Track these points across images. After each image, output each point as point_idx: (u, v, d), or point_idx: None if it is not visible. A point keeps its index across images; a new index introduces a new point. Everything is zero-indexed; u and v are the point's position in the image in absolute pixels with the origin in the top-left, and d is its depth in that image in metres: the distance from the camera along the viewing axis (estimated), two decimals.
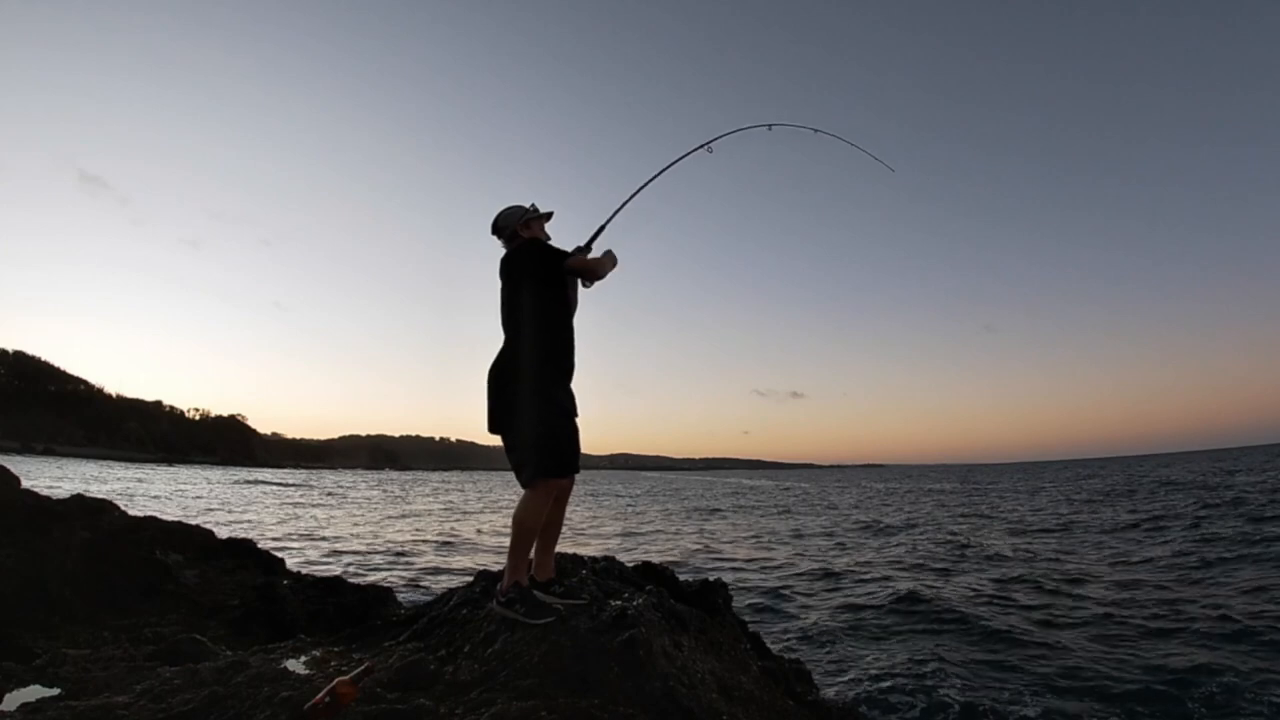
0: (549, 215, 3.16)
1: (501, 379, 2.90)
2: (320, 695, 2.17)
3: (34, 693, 2.55)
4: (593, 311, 3.24)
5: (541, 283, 2.93)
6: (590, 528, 19.53)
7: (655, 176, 3.57)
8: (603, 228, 3.28)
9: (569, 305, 3.01)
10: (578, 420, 2.95)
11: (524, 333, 2.89)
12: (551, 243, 3.12)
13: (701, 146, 3.80)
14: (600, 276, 3.04)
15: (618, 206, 3.39)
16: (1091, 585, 9.24)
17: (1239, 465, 53.17)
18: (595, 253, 3.17)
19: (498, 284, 3.04)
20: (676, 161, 3.68)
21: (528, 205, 3.12)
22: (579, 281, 3.06)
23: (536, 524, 2.83)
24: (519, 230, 3.06)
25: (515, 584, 2.76)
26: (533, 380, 2.84)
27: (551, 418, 2.81)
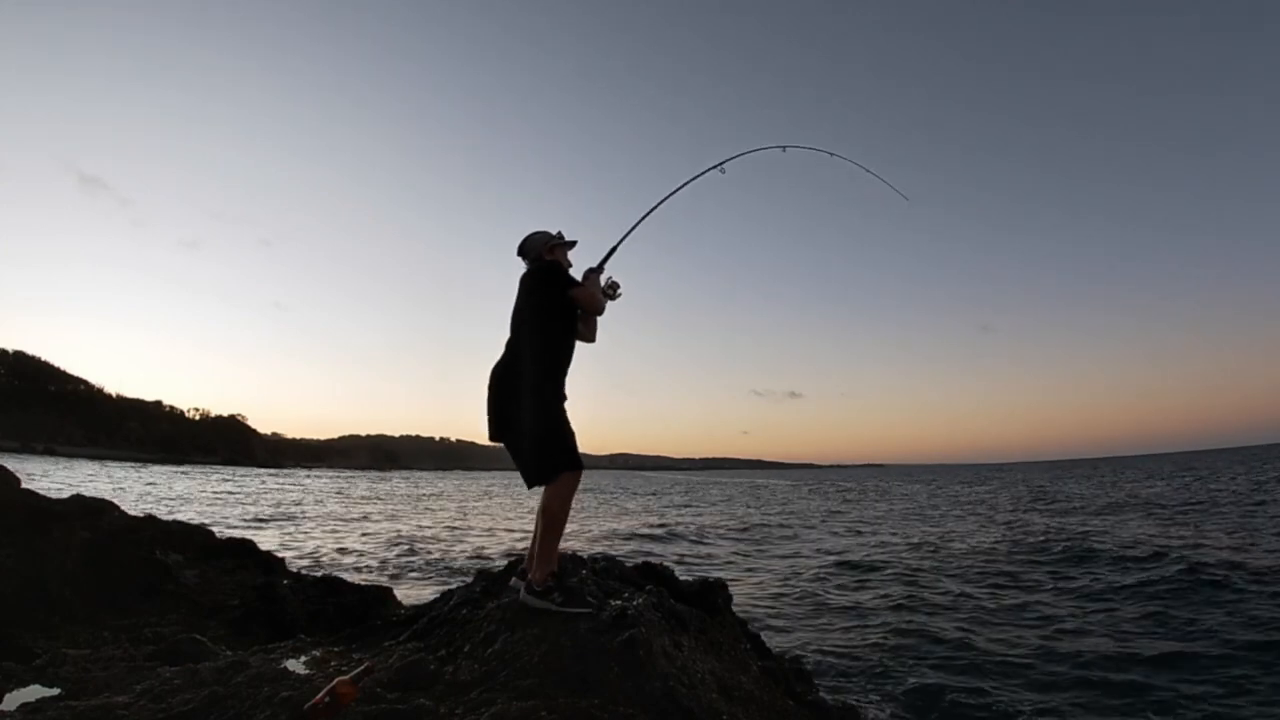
0: (573, 244, 3.29)
1: (501, 387, 3.03)
2: (320, 695, 2.18)
3: (34, 693, 2.55)
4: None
5: (550, 301, 3.05)
6: (589, 527, 19.53)
7: (668, 197, 3.62)
8: (615, 249, 3.35)
9: (572, 327, 3.11)
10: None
11: (526, 344, 3.02)
12: (571, 271, 3.24)
13: (715, 167, 3.87)
14: (597, 311, 3.16)
15: (630, 227, 3.43)
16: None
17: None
18: (606, 275, 3.27)
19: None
20: (689, 182, 3.74)
21: (554, 231, 3.24)
22: (578, 312, 3.14)
23: (566, 512, 2.92)
24: (544, 254, 3.19)
25: (550, 574, 2.83)
26: (532, 384, 2.94)
27: (556, 413, 2.93)
